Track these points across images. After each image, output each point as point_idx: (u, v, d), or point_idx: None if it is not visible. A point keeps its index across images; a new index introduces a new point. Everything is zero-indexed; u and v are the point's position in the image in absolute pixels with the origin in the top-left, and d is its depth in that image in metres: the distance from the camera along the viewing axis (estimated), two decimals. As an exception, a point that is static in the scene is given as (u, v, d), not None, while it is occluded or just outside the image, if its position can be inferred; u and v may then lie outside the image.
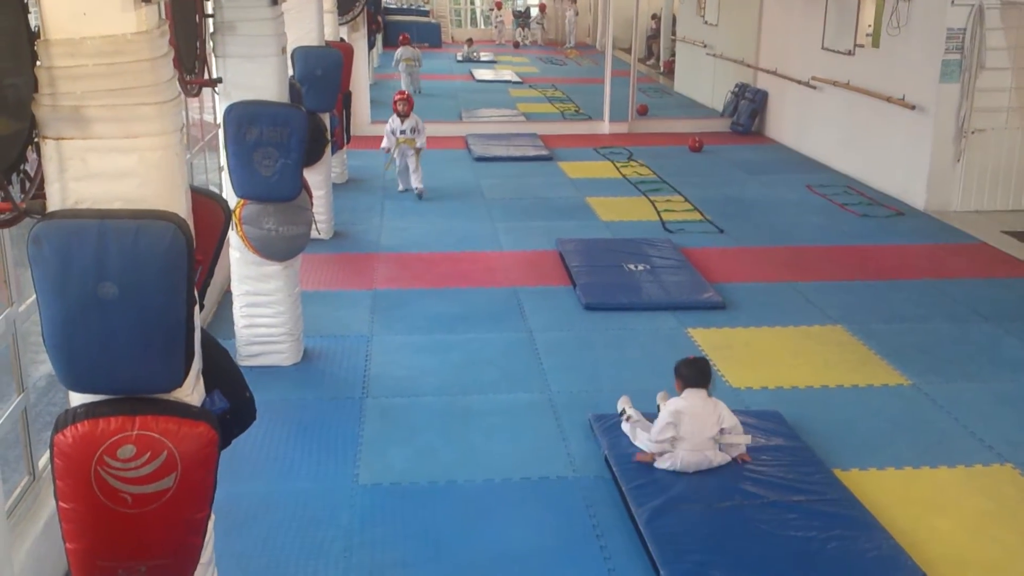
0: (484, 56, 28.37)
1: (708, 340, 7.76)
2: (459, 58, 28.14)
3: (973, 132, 11.49)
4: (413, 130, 12.24)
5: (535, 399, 6.79)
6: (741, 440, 5.65)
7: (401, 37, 21.63)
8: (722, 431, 5.59)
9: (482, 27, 34.53)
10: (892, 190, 12.46)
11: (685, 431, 5.50)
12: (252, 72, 6.59)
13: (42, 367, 5.68)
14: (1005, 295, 8.91)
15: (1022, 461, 5.96)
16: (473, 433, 6.30)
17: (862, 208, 11.94)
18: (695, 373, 5.64)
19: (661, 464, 5.58)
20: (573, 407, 6.61)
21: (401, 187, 12.64)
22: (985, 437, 6.25)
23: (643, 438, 5.73)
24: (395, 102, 12.23)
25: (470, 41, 29.40)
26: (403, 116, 12.21)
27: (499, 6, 33.92)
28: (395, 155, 12.33)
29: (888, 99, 12.37)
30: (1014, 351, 7.66)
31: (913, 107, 11.90)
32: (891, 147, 12.55)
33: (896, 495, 5.58)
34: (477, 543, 5.12)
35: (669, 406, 5.59)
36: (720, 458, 5.62)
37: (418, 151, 12.26)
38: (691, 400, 5.57)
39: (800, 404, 6.66)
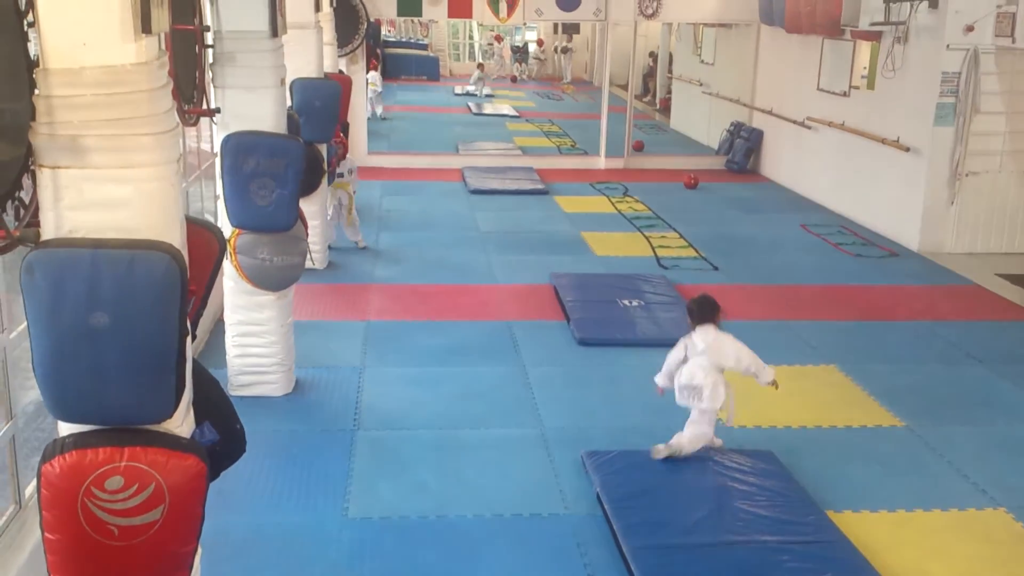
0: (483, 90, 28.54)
1: (701, 378, 7.72)
2: (457, 91, 28.27)
3: (967, 175, 11.56)
4: (350, 171, 11.09)
5: (527, 434, 6.75)
6: (765, 377, 6.19)
7: (371, 63, 22.01)
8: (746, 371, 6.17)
9: (480, 61, 34.72)
10: (886, 231, 12.51)
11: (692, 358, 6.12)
12: (251, 103, 6.61)
13: (31, 393, 5.62)
14: (999, 338, 8.91)
15: (1015, 505, 5.93)
16: (465, 468, 6.25)
17: (856, 248, 11.98)
18: (699, 308, 6.20)
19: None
20: (565, 443, 6.57)
21: (360, 243, 11.36)
22: (979, 481, 6.23)
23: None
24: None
25: (481, 66, 29.49)
26: (339, 159, 10.89)
27: (499, 39, 34.12)
28: (328, 207, 10.85)
29: (883, 141, 12.45)
30: (1007, 394, 7.65)
31: (908, 149, 11.97)
32: (885, 188, 12.61)
33: (889, 538, 5.54)
34: (466, 580, 5.07)
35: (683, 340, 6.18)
36: (702, 404, 6.09)
37: (351, 196, 11.09)
38: (702, 334, 6.10)
39: (794, 444, 6.64)
